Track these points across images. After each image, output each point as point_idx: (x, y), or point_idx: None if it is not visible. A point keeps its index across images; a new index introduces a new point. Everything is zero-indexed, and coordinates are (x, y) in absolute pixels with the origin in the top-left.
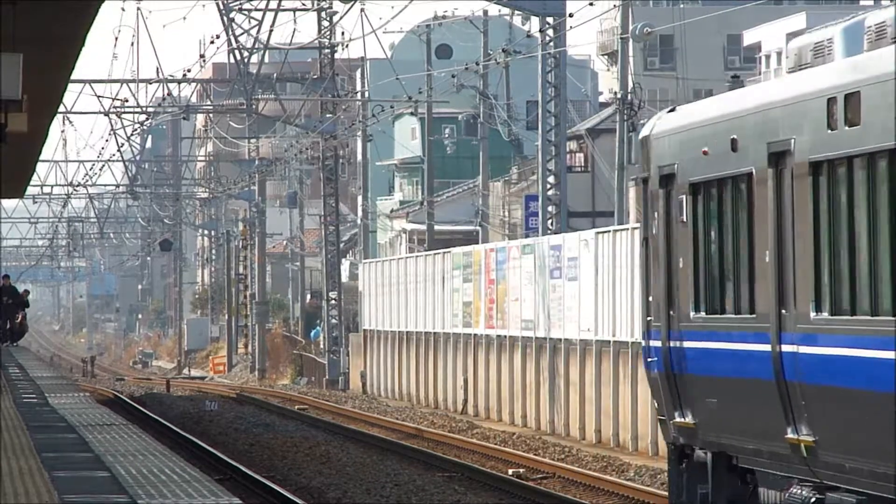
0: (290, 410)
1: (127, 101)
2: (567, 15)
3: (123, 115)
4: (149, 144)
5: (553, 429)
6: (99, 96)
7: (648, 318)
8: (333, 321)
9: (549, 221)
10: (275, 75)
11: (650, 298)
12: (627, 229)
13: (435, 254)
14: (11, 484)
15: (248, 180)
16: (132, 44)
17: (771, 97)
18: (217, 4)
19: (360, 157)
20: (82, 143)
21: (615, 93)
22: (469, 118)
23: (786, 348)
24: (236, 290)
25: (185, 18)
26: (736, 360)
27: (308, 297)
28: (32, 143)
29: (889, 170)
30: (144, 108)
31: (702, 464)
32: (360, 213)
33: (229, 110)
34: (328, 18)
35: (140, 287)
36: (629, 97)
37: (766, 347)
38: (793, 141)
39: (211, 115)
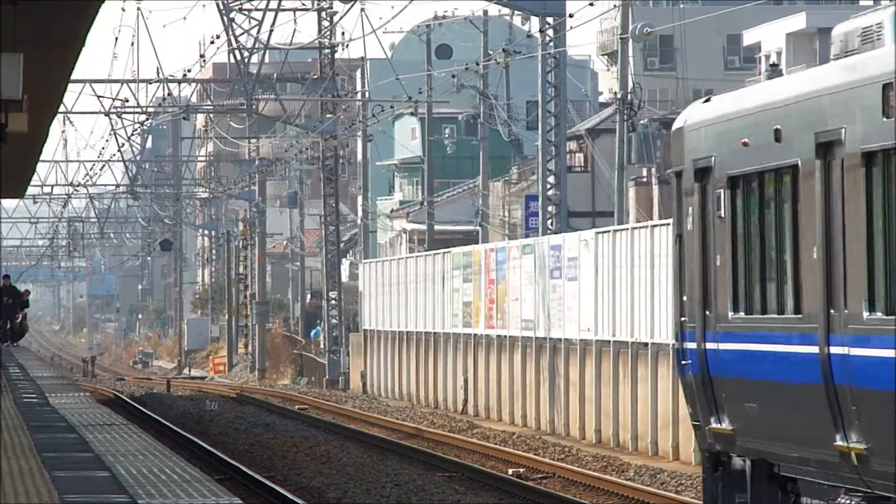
0: (291, 410)
1: (127, 101)
2: (567, 15)
3: (123, 115)
4: (149, 144)
5: (553, 429)
6: (99, 96)
7: (682, 319)
8: (333, 321)
9: (549, 221)
10: (275, 75)
11: (684, 298)
12: (627, 229)
13: (435, 254)
14: (12, 484)
15: (248, 180)
16: (132, 44)
17: (818, 84)
18: (217, 4)
19: (360, 157)
20: (82, 143)
21: (615, 93)
22: (469, 118)
23: (835, 350)
24: (236, 290)
25: (185, 18)
26: (779, 363)
27: (308, 297)
28: (32, 143)
29: None
30: (144, 108)
31: (739, 472)
32: (360, 213)
33: (229, 110)
34: (328, 18)
35: (140, 287)
36: (629, 97)
37: (814, 349)
38: (843, 130)
39: (211, 115)
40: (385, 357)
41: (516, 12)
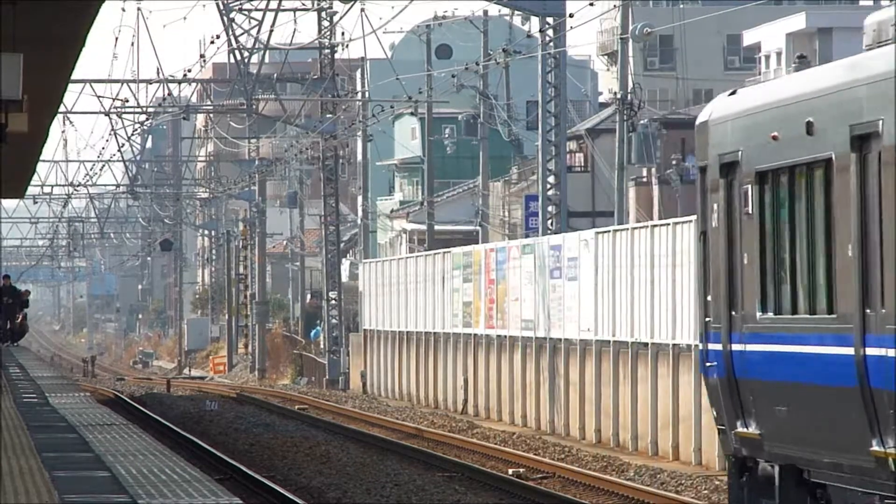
0: (291, 410)
1: (127, 101)
2: (567, 15)
3: (124, 115)
4: (149, 144)
5: (553, 429)
6: (99, 96)
7: (707, 319)
8: (333, 321)
9: (549, 221)
10: (275, 75)
11: (708, 298)
12: (627, 229)
13: (435, 254)
14: (12, 483)
15: (248, 180)
16: (132, 44)
17: (854, 75)
18: (217, 4)
19: (360, 157)
20: (82, 143)
21: (615, 93)
22: (469, 118)
23: (871, 352)
24: (236, 290)
25: (185, 18)
26: (811, 365)
27: (308, 297)
28: (32, 143)
29: None
30: (144, 108)
31: (767, 477)
32: (360, 213)
33: (229, 110)
34: (328, 18)
35: (140, 287)
36: (629, 97)
37: (848, 351)
38: (881, 122)
39: (211, 115)
40: (385, 357)
41: (516, 12)
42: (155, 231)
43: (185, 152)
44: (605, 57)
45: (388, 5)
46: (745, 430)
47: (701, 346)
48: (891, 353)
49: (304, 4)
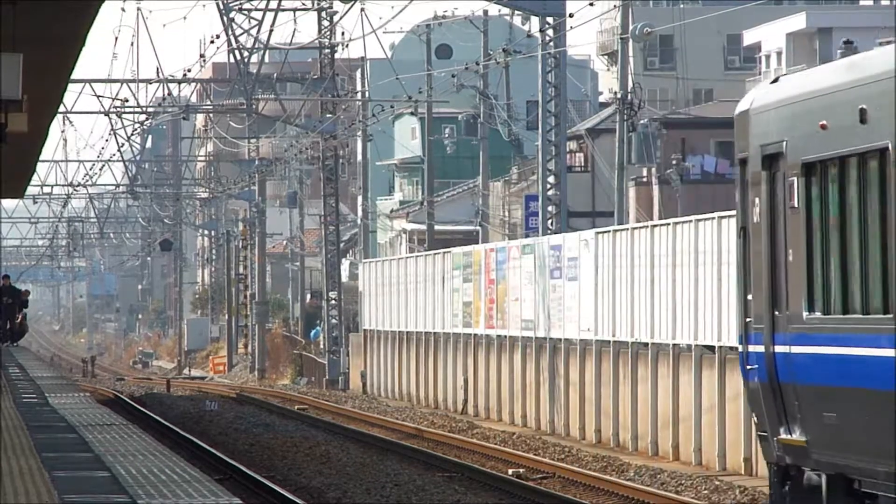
0: (290, 410)
1: (127, 101)
2: (567, 15)
3: (123, 115)
4: (149, 144)
5: (553, 429)
6: (99, 96)
7: (748, 320)
8: (333, 321)
9: (549, 221)
10: (275, 75)
11: (749, 297)
12: (627, 229)
13: (435, 254)
14: (11, 484)
15: (248, 180)
16: (132, 44)
17: None
18: (217, 4)
19: (360, 157)
20: (82, 143)
21: (615, 93)
22: (469, 118)
23: None
24: (236, 290)
25: (185, 18)
26: (863, 368)
27: (308, 297)
28: (32, 143)
29: None
30: (144, 108)
31: (813, 487)
32: (360, 213)
33: (229, 110)
34: (328, 18)
35: (140, 287)
36: (629, 97)
37: None
38: None
39: (211, 115)
40: (385, 357)
41: (516, 12)
42: (155, 231)
43: (185, 152)
44: (605, 57)
45: (388, 5)
46: (789, 436)
47: (741, 348)
48: None
49: (304, 4)
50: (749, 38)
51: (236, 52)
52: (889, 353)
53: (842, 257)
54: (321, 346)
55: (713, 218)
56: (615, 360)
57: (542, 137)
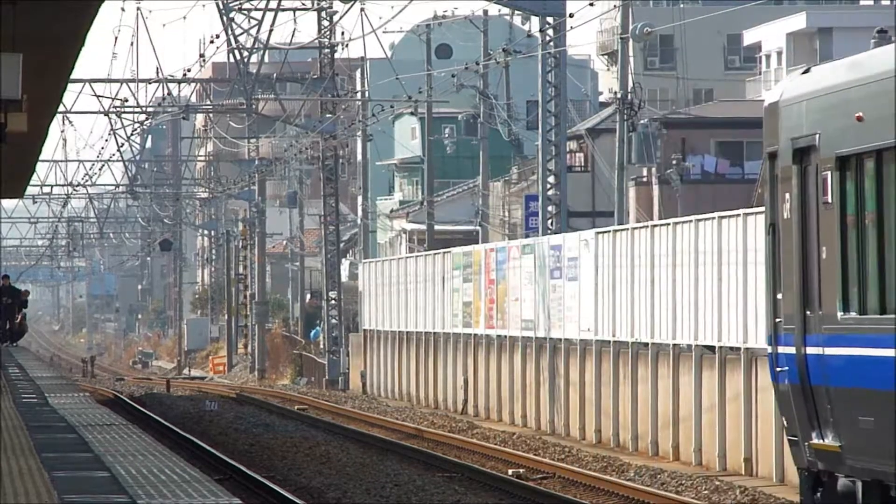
0: (290, 410)
1: (127, 100)
2: (567, 15)
3: (123, 115)
4: (149, 144)
5: (553, 429)
6: (99, 96)
7: (777, 320)
8: (333, 321)
9: (549, 221)
10: (275, 75)
11: (779, 296)
12: (627, 229)
13: (435, 254)
14: (11, 484)
15: (248, 180)
16: (132, 44)
17: None
18: (217, 4)
19: (360, 157)
20: (82, 143)
21: (615, 93)
22: (469, 118)
23: None
24: (236, 290)
25: (185, 18)
26: None
27: (308, 297)
28: (32, 143)
29: None
30: (144, 108)
31: (847, 494)
32: (360, 213)
33: (229, 110)
34: (328, 18)
35: (140, 287)
36: (629, 97)
37: None
38: None
39: (211, 115)
40: (385, 357)
41: (516, 12)
42: (155, 231)
43: (185, 152)
44: (605, 57)
45: (388, 5)
46: (821, 441)
47: (770, 350)
48: None
49: (304, 4)
50: (749, 38)
51: (236, 51)
52: None
53: (879, 254)
54: (321, 347)
55: (713, 218)
56: (615, 360)
57: (542, 137)
